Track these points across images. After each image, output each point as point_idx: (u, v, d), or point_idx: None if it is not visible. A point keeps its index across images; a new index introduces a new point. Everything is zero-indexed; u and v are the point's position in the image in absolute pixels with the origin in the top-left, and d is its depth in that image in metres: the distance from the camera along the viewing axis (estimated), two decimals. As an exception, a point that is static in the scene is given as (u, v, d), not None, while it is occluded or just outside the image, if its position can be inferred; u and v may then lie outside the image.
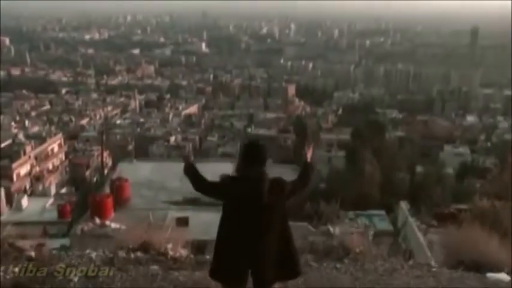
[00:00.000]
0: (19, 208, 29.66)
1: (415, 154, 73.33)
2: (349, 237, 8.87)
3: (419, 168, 59.87)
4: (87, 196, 26.13)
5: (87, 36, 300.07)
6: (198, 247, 9.00)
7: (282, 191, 4.51)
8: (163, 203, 21.64)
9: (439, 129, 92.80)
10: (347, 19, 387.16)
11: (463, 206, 23.75)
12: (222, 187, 4.55)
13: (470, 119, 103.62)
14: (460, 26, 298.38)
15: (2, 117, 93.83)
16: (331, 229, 19.83)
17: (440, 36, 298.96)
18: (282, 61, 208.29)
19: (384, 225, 26.26)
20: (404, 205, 25.59)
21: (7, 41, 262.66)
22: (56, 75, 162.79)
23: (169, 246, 7.33)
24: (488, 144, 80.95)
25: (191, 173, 4.59)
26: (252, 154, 4.45)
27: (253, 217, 4.37)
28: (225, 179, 4.57)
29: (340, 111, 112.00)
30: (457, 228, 11.22)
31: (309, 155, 4.84)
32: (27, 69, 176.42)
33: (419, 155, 74.76)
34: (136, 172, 21.56)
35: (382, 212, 28.99)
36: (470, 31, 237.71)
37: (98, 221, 16.94)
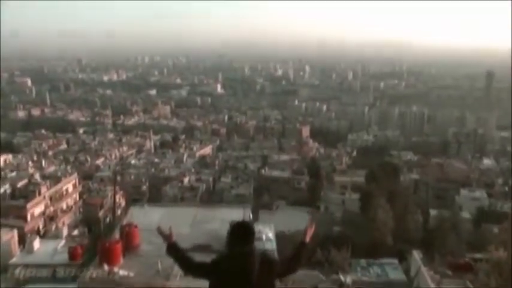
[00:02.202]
0: (30, 250, 29.72)
1: (430, 197, 72.30)
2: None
3: (433, 212, 58.85)
4: (98, 239, 26.09)
5: (105, 77, 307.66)
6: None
7: (271, 271, 4.48)
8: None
9: (454, 172, 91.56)
10: (361, 61, 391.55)
11: (478, 255, 23.14)
12: (211, 268, 4.50)
13: (487, 162, 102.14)
14: (474, 68, 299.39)
15: (19, 156, 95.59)
16: (342, 278, 19.47)
17: (454, 78, 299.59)
18: (296, 103, 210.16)
19: (397, 274, 25.59)
20: (417, 254, 24.99)
21: (29, 82, 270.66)
22: (74, 115, 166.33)
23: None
24: (506, 188, 79.36)
25: (175, 254, 4.54)
26: (241, 234, 4.44)
27: None
28: (214, 260, 4.52)
29: (354, 153, 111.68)
30: (473, 279, 10.93)
31: (308, 235, 4.78)
32: (46, 110, 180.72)
33: (434, 198, 73.70)
34: (147, 217, 21.57)
35: (395, 261, 28.31)
36: (486, 74, 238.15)
37: (106, 267, 16.88)
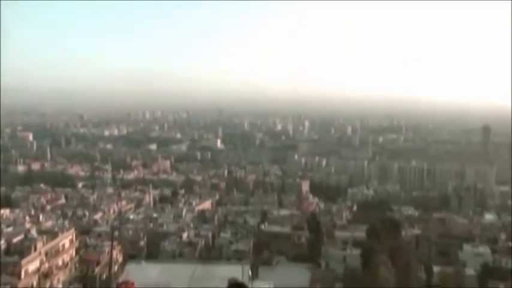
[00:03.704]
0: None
1: (433, 253, 70.98)
2: None
3: (437, 269, 57.59)
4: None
5: (106, 132, 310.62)
6: None
7: None
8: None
9: (456, 227, 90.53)
10: (359, 116, 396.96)
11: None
12: None
13: (489, 216, 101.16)
14: (471, 123, 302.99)
15: (17, 211, 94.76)
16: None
17: (452, 133, 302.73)
18: (296, 157, 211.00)
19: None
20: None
21: (30, 136, 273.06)
22: (74, 170, 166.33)
23: None
24: (510, 244, 78.06)
25: None
26: None
27: None
28: None
29: (354, 208, 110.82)
30: None
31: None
32: (46, 164, 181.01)
33: (437, 254, 72.32)
34: (144, 274, 21.18)
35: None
36: (482, 129, 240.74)
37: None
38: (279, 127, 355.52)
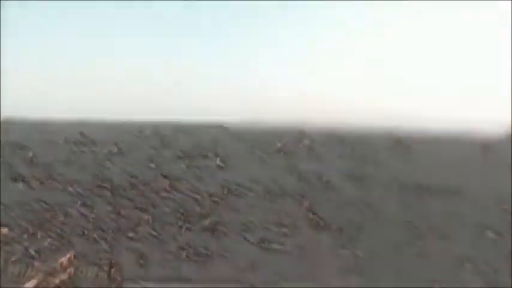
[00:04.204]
0: None
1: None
2: None
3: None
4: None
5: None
6: None
7: None
8: None
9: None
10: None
11: None
12: None
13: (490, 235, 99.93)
14: (469, 143, 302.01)
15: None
16: None
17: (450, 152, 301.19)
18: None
19: None
20: None
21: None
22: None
23: None
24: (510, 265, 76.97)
25: None
26: None
27: None
28: None
29: None
30: None
31: None
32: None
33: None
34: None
35: None
36: (481, 147, 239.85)
37: None
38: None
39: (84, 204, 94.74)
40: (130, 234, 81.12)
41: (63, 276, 62.12)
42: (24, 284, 52.61)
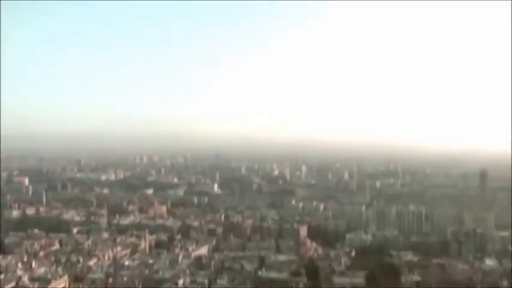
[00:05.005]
0: None
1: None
2: None
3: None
4: None
5: (103, 177, 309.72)
6: None
7: None
8: None
9: (457, 273, 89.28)
10: (356, 161, 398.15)
11: None
12: None
13: (489, 262, 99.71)
14: (468, 168, 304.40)
15: (9, 258, 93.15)
16: None
17: (449, 177, 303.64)
18: (293, 202, 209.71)
19: None
20: None
21: (26, 181, 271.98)
22: (69, 215, 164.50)
23: None
24: (511, 290, 76.78)
25: None
26: None
27: None
28: None
29: (353, 253, 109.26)
30: None
31: None
32: (42, 209, 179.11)
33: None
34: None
35: None
36: (479, 173, 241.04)
37: None
38: (276, 172, 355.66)
39: None
40: None
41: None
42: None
